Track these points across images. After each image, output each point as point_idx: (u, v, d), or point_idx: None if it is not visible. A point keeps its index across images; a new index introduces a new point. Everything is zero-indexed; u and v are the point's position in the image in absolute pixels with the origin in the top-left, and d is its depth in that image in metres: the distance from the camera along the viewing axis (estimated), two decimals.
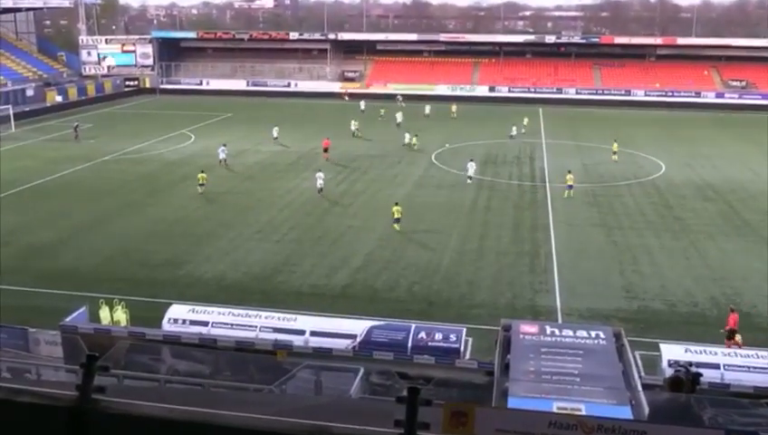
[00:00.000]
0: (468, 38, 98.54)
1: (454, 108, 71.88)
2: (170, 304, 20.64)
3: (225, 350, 16.98)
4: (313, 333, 18.55)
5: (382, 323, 19.21)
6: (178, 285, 27.36)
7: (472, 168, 44.46)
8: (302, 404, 5.02)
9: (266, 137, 57.60)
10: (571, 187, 41.19)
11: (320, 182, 40.95)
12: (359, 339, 18.15)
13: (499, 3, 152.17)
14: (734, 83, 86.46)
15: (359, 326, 18.65)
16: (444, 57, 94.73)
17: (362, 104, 74.22)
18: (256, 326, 18.99)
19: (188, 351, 16.74)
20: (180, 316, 19.49)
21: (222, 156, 47.85)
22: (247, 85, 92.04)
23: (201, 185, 40.73)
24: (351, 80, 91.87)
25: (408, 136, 55.69)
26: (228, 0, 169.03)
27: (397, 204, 35.08)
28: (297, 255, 31.12)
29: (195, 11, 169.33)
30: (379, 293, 27.19)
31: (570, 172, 42.48)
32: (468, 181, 43.69)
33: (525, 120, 63.40)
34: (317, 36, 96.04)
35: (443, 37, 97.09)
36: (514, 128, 60.20)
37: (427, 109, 71.58)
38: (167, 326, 19.17)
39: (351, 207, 38.80)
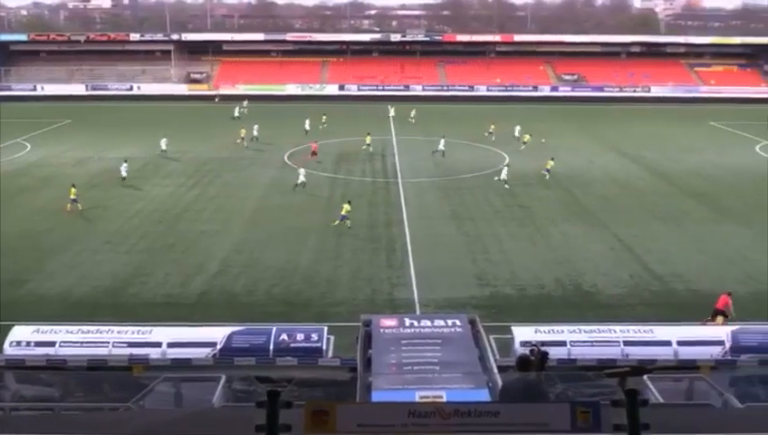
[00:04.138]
0: (316, 37, 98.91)
1: (413, 112, 69.54)
2: (12, 325, 19.27)
3: (75, 370, 16.10)
4: (171, 345, 17.96)
5: (242, 328, 18.91)
6: (20, 305, 25.55)
7: (504, 172, 44.10)
8: (162, 418, 4.89)
9: (110, 144, 55.06)
10: (548, 171, 45.27)
11: (301, 178, 41.86)
12: (219, 346, 17.77)
13: (345, 2, 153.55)
14: (567, 77, 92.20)
15: (218, 333, 18.25)
16: (292, 57, 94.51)
17: (236, 111, 69.94)
18: (109, 342, 18.14)
19: (35, 374, 15.71)
20: (23, 338, 18.24)
21: (123, 173, 43.97)
22: (87, 90, 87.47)
23: (74, 201, 37.46)
24: (198, 81, 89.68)
25: (368, 138, 54.67)
26: (61, 0, 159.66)
27: (348, 202, 35.78)
28: (149, 264, 30.00)
29: (24, 11, 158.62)
30: (237, 298, 26.75)
31: (552, 159, 46.50)
32: (506, 187, 42.97)
33: (492, 128, 60.37)
34: (159, 37, 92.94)
35: (290, 37, 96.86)
36: (492, 126, 59.67)
37: (392, 111, 70.17)
38: (8, 350, 17.88)
39: (204, 212, 37.88)
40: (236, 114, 69.06)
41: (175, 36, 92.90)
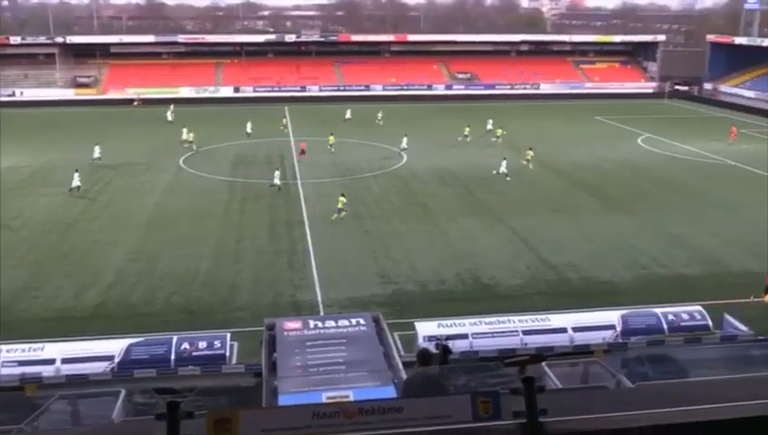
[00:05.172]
0: (208, 39, 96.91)
1: (380, 114, 68.84)
2: None
3: None
4: (65, 361, 17.27)
5: (141, 339, 18.41)
6: None
7: (504, 165, 45.64)
8: None
9: None
10: (528, 161, 48.02)
11: (276, 180, 42.02)
12: (117, 359, 17.23)
13: (237, 2, 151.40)
14: (461, 76, 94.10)
15: (116, 346, 17.69)
16: (185, 59, 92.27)
17: (170, 115, 67.83)
18: None
19: None
20: None
21: (76, 183, 41.37)
22: None
23: None
24: (85, 85, 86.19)
25: (331, 138, 54.64)
26: None
27: (342, 195, 36.95)
28: (39, 278, 28.62)
29: None
30: (135, 308, 25.93)
31: (530, 149, 49.00)
32: (507, 179, 44.96)
33: (467, 130, 59.56)
34: (42, 40, 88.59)
35: (182, 38, 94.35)
36: (467, 129, 59.37)
37: (348, 113, 69.00)
38: None
39: (97, 221, 36.50)
40: (170, 118, 67.24)
41: (59, 39, 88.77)
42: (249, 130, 60.26)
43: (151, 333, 20.63)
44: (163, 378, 16.00)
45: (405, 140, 53.69)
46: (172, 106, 71.49)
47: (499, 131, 58.92)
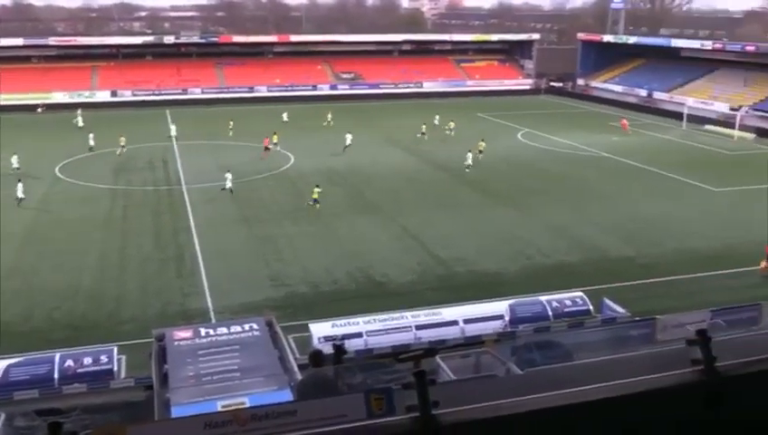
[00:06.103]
0: (82, 41, 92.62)
1: (329, 116, 67.42)
2: None
3: None
4: None
5: (21, 359, 17.43)
6: None
7: (469, 158, 48.10)
8: None
9: None
10: (480, 152, 50.30)
11: (228, 183, 41.24)
12: None
13: (112, 3, 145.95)
14: (345, 75, 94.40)
15: None
16: (57, 62, 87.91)
17: (80, 120, 64.87)
18: None
19: None
20: None
21: (20, 194, 39.00)
22: None
23: None
24: None
25: (275, 137, 54.21)
26: None
27: (317, 185, 38.83)
28: None
29: None
30: (11, 326, 24.45)
31: (482, 140, 51.89)
32: (467, 171, 47.45)
33: (424, 128, 60.57)
34: None
35: (53, 41, 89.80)
36: (424, 126, 60.36)
37: (285, 116, 67.63)
38: None
39: None
40: (81, 124, 64.21)
41: None
42: (174, 133, 59.33)
43: (32, 352, 19.56)
44: (46, 398, 15.24)
45: (349, 137, 54.57)
46: (80, 111, 68.58)
47: (452, 124, 61.17)
